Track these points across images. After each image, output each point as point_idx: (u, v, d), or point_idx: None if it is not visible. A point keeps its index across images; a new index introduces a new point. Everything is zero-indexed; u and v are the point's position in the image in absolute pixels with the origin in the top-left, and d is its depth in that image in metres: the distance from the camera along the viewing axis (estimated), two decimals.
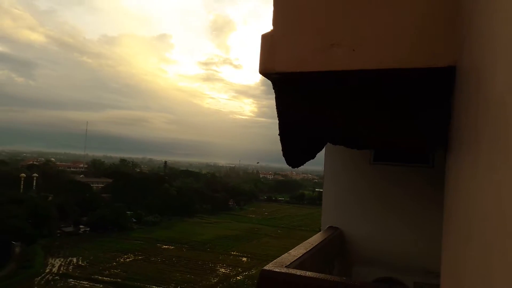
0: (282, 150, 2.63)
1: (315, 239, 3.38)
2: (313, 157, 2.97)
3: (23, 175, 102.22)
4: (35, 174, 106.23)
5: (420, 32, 2.14)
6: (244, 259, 72.77)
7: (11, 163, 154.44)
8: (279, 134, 2.57)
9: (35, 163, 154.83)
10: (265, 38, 2.33)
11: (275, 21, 2.32)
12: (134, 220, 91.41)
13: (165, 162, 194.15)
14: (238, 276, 62.65)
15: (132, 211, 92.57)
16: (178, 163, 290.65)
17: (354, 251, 4.38)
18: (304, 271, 2.23)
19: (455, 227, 1.82)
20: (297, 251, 2.78)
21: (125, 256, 68.55)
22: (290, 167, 2.83)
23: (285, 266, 2.39)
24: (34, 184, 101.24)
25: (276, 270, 2.22)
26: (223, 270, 65.60)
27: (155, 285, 55.13)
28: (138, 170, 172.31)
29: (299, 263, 2.61)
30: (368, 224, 4.39)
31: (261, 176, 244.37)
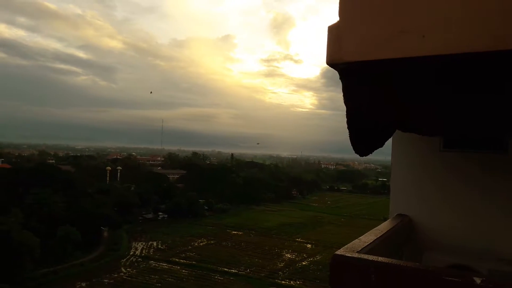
0: (350, 139, 2.56)
1: (384, 226, 3.26)
2: (381, 145, 2.85)
3: (109, 168, 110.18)
4: (119, 167, 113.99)
5: (491, 14, 1.96)
6: (309, 245, 72.56)
7: (98, 158, 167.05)
8: (346, 123, 2.50)
9: (118, 157, 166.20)
10: (332, 29, 2.27)
11: (341, 12, 2.25)
12: (206, 207, 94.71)
13: (232, 154, 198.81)
14: (304, 262, 62.66)
15: (204, 199, 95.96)
16: (243, 155, 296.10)
17: (423, 239, 4.17)
18: (376, 256, 2.16)
19: None
20: (368, 238, 2.70)
21: (199, 241, 71.24)
22: (358, 155, 2.74)
23: (357, 252, 2.34)
24: (118, 175, 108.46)
25: (348, 255, 2.17)
26: (288, 255, 65.96)
27: (227, 268, 56.77)
28: (208, 162, 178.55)
29: (370, 248, 2.54)
30: (438, 211, 4.16)
31: (322, 166, 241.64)
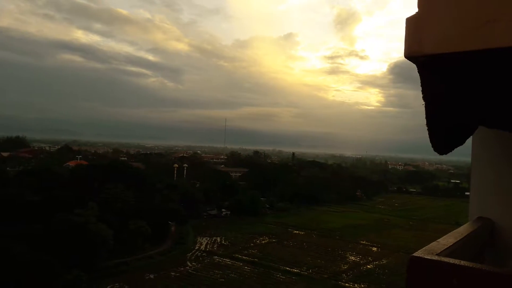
0: (429, 136, 2.44)
1: (464, 229, 3.07)
2: (462, 142, 2.68)
3: (176, 165, 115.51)
4: (185, 165, 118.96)
5: None
6: (374, 249, 70.21)
7: (167, 156, 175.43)
8: (426, 119, 2.40)
9: (185, 155, 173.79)
10: (410, 21, 2.18)
11: (421, 2, 2.16)
12: (267, 206, 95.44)
13: (293, 153, 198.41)
14: (369, 265, 60.79)
15: (265, 198, 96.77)
16: (305, 154, 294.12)
17: (507, 245, 3.87)
18: (458, 260, 2.04)
19: None
20: (447, 240, 2.55)
21: (261, 238, 71.92)
22: (438, 154, 2.61)
23: (436, 254, 2.23)
24: (185, 173, 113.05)
25: (427, 257, 2.07)
26: (352, 258, 64.36)
27: (288, 267, 56.74)
28: (269, 161, 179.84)
29: (450, 252, 2.40)
30: None
31: (390, 166, 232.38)
